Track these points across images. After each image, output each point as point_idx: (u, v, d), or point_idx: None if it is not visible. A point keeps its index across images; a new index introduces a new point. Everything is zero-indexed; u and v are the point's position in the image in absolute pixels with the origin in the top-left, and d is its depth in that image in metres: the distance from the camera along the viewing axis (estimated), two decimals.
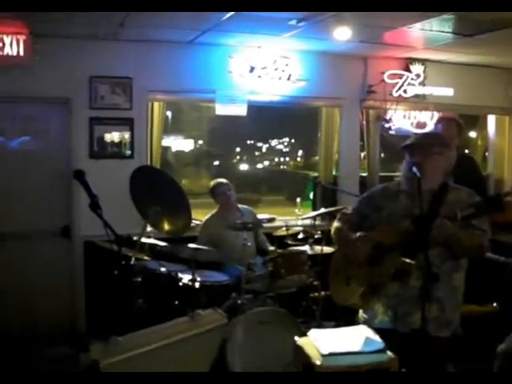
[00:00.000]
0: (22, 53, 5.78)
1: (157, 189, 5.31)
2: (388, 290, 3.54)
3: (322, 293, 5.75)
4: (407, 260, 3.35)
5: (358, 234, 3.62)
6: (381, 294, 3.56)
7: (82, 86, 6.32)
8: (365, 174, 7.77)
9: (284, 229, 6.32)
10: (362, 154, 7.93)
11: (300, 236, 6.41)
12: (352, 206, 3.86)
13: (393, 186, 3.70)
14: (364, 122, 7.61)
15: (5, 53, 5.74)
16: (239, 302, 5.21)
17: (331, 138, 7.56)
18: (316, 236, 6.08)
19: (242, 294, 5.23)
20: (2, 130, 6.35)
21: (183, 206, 5.30)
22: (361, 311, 3.79)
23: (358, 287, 3.59)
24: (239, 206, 6.41)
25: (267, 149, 9.86)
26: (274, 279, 5.45)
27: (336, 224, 3.85)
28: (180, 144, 8.33)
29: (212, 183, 6.41)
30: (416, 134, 3.86)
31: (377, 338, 3.55)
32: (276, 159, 10.12)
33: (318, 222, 6.33)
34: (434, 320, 3.41)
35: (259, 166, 9.74)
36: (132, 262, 5.14)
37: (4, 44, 5.73)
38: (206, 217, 6.32)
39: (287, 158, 10.39)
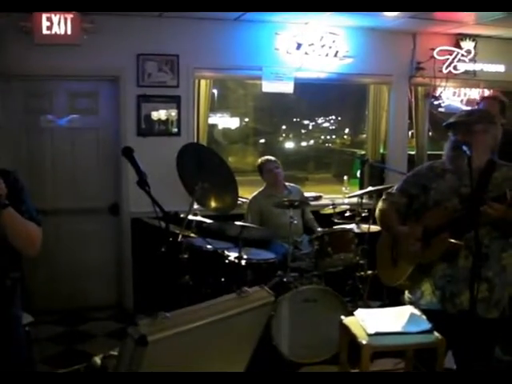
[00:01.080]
0: (69, 31, 5.82)
1: (204, 166, 5.29)
2: (436, 271, 3.47)
3: (369, 272, 5.72)
4: (455, 241, 3.29)
5: (403, 230, 3.57)
6: (429, 275, 3.50)
7: (130, 63, 6.32)
8: (413, 153, 7.62)
9: (331, 207, 6.28)
10: (410, 132, 7.77)
11: (347, 214, 6.32)
12: (397, 186, 3.74)
13: (438, 165, 3.60)
14: (413, 100, 7.44)
15: (53, 32, 5.78)
16: (285, 279, 5.17)
17: (379, 116, 7.43)
18: (363, 214, 5.99)
19: (288, 272, 5.19)
20: (50, 108, 6.41)
21: (230, 184, 5.30)
22: (407, 292, 3.74)
23: (406, 268, 3.54)
24: (286, 184, 6.29)
25: (313, 126, 9.60)
26: (321, 257, 5.39)
27: (381, 205, 3.76)
28: (226, 122, 8.28)
29: (260, 160, 6.30)
30: (460, 111, 3.75)
31: (424, 318, 3.51)
32: (322, 137, 9.85)
33: (365, 201, 6.27)
34: (483, 301, 3.34)
35: (305, 143, 9.58)
36: (179, 239, 5.11)
37: (52, 23, 5.77)
38: (253, 194, 6.23)
39: (334, 136, 10.11)
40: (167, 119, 6.47)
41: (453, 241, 3.29)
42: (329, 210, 6.29)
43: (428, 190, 3.54)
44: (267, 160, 6.23)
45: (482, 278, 3.24)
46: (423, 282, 3.55)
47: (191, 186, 5.36)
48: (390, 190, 3.78)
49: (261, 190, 6.24)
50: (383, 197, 3.78)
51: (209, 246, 5.36)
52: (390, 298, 5.33)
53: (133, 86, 6.35)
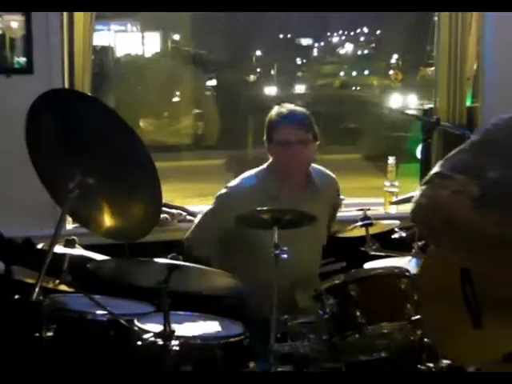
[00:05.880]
0: None
1: (85, 140, 3.03)
2: None
3: (443, 361, 3.20)
4: None
5: None
6: None
7: None
8: None
9: (360, 223, 3.71)
10: None
11: (395, 236, 3.79)
12: (452, 163, 2.36)
13: None
14: None
15: None
16: None
17: (462, 26, 4.44)
18: None
19: (272, 363, 2.99)
20: None
21: (142, 176, 3.01)
22: None
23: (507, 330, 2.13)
24: (318, 167, 3.68)
25: (322, 51, 6.21)
26: (339, 332, 3.10)
27: (422, 199, 2.37)
28: (133, 41, 5.11)
29: (275, 112, 3.45)
30: None
31: None
32: (342, 73, 6.45)
33: None
34: None
35: (304, 88, 6.03)
36: (35, 297, 2.97)
37: None
38: (222, 191, 3.51)
39: (366, 72, 6.63)
40: (3, 36, 3.93)
41: None
42: (355, 231, 3.77)
43: None
44: (282, 114, 3.39)
45: None
46: None
47: (59, 184, 3.07)
48: (437, 170, 2.37)
49: (258, 171, 3.54)
50: (430, 182, 2.38)
51: (100, 312, 3.20)
52: None
53: None
